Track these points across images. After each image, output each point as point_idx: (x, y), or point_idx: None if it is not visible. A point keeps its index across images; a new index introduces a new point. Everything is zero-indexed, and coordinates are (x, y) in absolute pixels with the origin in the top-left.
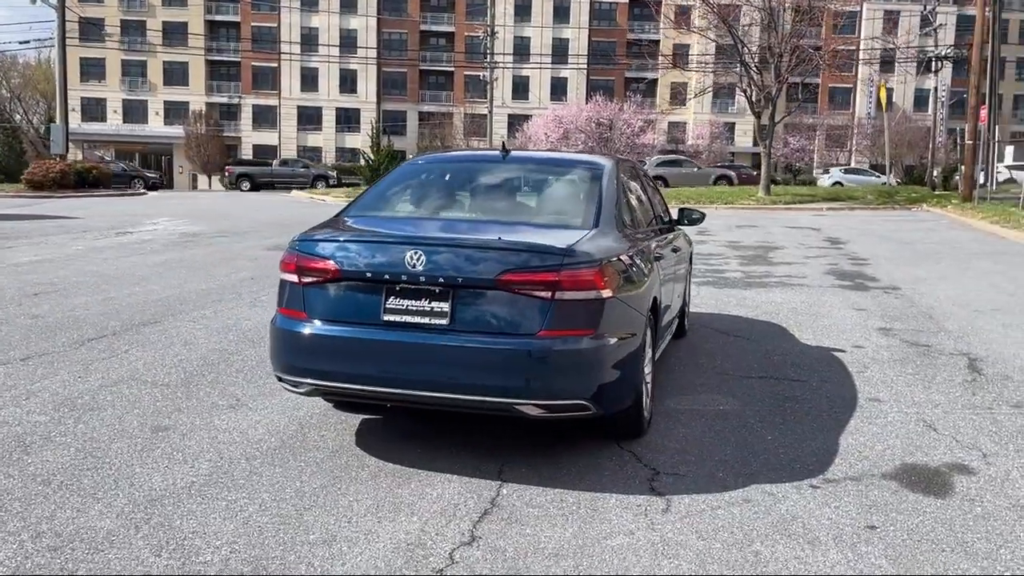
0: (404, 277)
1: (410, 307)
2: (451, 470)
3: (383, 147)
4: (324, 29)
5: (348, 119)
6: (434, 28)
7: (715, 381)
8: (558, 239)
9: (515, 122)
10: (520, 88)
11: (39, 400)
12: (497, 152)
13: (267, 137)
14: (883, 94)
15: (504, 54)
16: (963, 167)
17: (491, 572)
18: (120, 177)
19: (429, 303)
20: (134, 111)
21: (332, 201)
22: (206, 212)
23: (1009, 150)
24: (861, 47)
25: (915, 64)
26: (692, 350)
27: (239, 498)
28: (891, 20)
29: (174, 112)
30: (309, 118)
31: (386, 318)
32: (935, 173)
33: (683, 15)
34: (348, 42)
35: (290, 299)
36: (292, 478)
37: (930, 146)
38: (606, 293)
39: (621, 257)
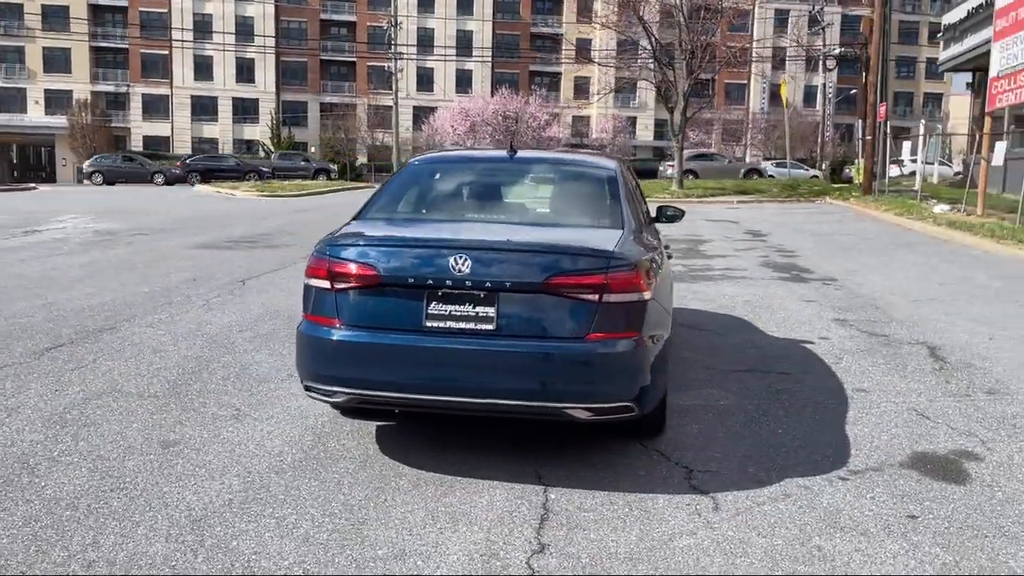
0: (449, 282)
1: (453, 312)
2: (489, 476)
3: (284, 139)
4: (219, 16)
5: (246, 110)
6: (335, 17)
7: (704, 376)
8: (598, 241)
9: (420, 114)
10: (425, 80)
11: (23, 417)
12: (504, 152)
13: (159, 128)
14: (784, 91)
15: (408, 45)
16: (862, 161)
17: None
18: None
19: (474, 308)
20: (11, 100)
21: (243, 195)
22: (109, 208)
23: (907, 145)
24: (757, 45)
25: (805, 62)
26: (670, 346)
27: (287, 514)
28: (781, 19)
29: (56, 101)
30: (204, 108)
31: (428, 324)
32: (823, 166)
33: (590, 10)
34: (244, 30)
35: (320, 306)
36: (333, 491)
37: (819, 140)
38: (647, 295)
39: (653, 257)
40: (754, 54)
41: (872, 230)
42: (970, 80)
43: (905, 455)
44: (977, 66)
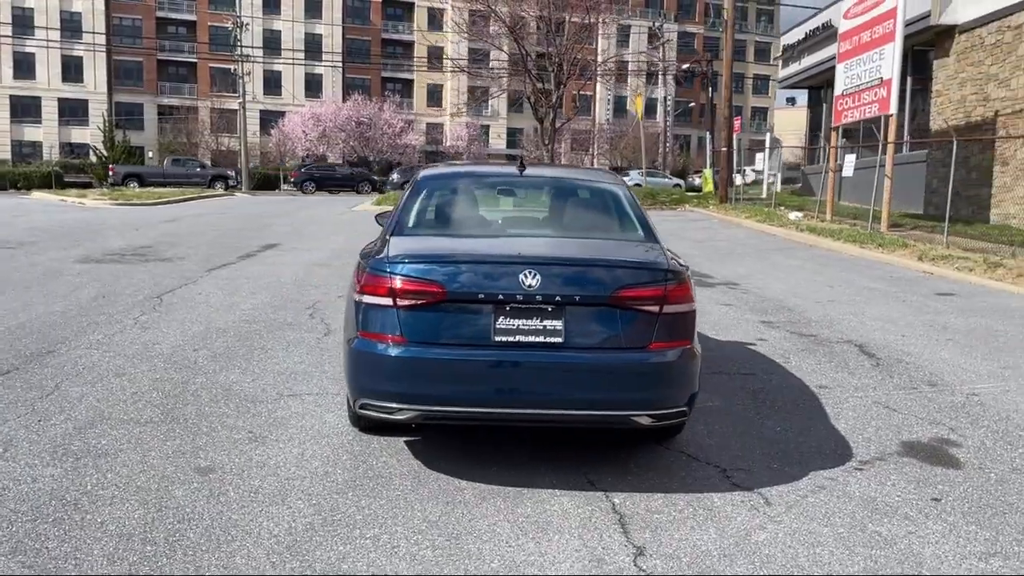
0: (520, 296)
1: (522, 326)
2: (545, 485)
3: (118, 142)
4: (41, 10)
5: (74, 111)
6: (173, 15)
7: None
8: (651, 255)
9: (269, 118)
10: (272, 83)
11: (24, 451)
12: (513, 168)
13: None
14: (639, 104)
15: (253, 47)
16: (709, 170)
17: None
18: None
19: (542, 321)
20: None
21: (93, 203)
22: None
23: (759, 156)
24: (607, 59)
25: (647, 76)
26: None
27: (378, 534)
28: (624, 34)
29: None
30: (25, 109)
31: (497, 338)
32: (666, 175)
33: (441, 18)
34: (71, 26)
35: (379, 323)
36: (405, 508)
37: (661, 150)
38: (695, 304)
39: (687, 268)
40: (609, 67)
41: (742, 236)
42: (790, 96)
43: (896, 444)
44: (813, 83)
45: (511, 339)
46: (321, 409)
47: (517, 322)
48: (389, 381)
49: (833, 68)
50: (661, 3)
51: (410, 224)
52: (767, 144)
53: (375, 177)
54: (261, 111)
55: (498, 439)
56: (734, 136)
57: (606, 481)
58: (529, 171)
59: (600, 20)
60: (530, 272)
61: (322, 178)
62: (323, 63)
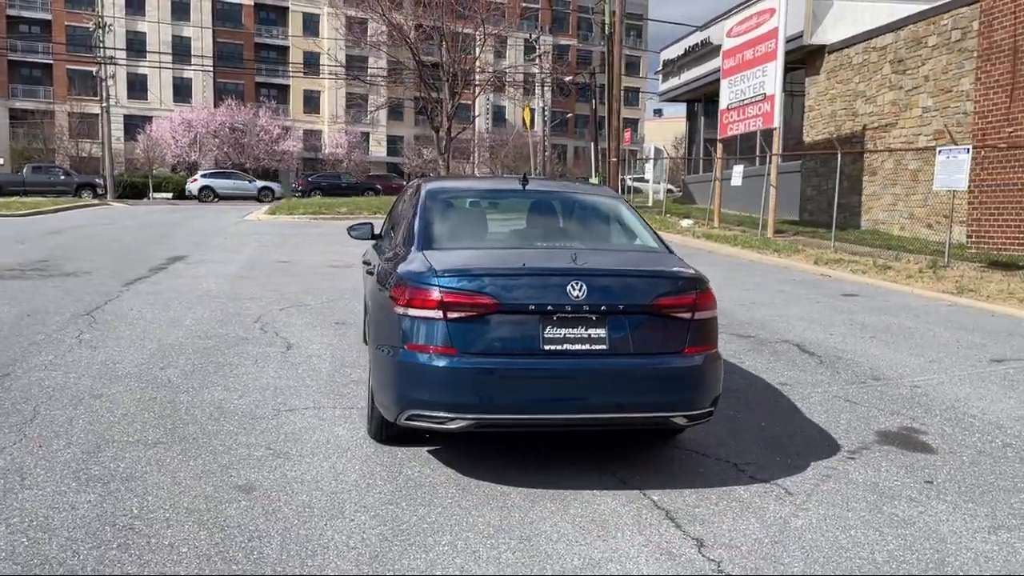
0: (568, 307)
1: (568, 335)
2: (585, 486)
3: None
4: None
5: None
6: (25, 14)
7: None
8: (678, 264)
9: (134, 124)
10: (137, 86)
11: (44, 478)
12: (515, 182)
13: None
14: (527, 115)
15: (116, 48)
16: (597, 178)
17: (761, 566)
18: None
19: (587, 330)
20: None
21: None
22: None
23: (648, 165)
24: (488, 69)
25: (523, 87)
26: None
27: (454, 541)
28: (502, 45)
29: None
30: None
31: (546, 347)
32: None
33: (316, 24)
34: None
35: (428, 335)
36: (463, 516)
37: (540, 160)
38: (717, 311)
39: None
40: (503, 77)
41: None
42: (658, 108)
43: (872, 434)
44: (692, 97)
45: (559, 347)
46: (327, 423)
47: (564, 331)
48: (441, 392)
49: (712, 83)
50: (536, 16)
51: (438, 238)
52: (651, 155)
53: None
54: (125, 116)
55: (515, 445)
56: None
57: (637, 480)
58: (533, 186)
59: (495, 32)
60: (577, 283)
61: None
62: (192, 67)
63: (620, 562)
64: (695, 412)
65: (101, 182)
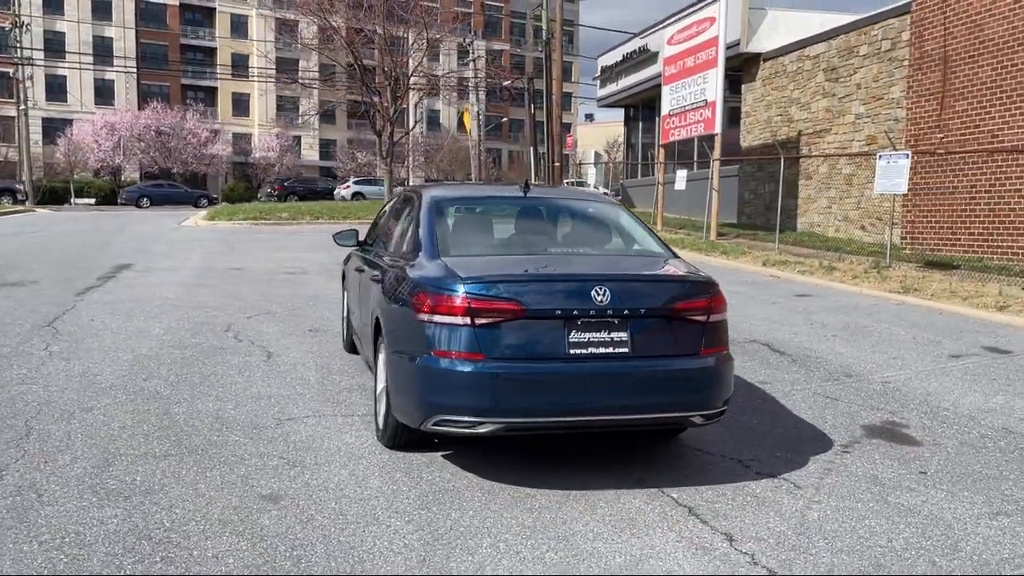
0: (592, 311)
1: (592, 339)
2: (603, 486)
3: None
4: None
5: None
6: None
7: None
8: (688, 268)
9: (53, 127)
10: (56, 88)
11: (60, 495)
12: (516, 189)
13: None
14: (467, 119)
15: (34, 49)
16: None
17: (792, 557)
18: None
19: (610, 333)
20: None
21: None
22: None
23: (592, 169)
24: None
25: (457, 91)
26: None
27: (495, 543)
28: (435, 50)
29: None
30: None
31: (571, 351)
32: None
33: (245, 25)
34: None
35: (456, 341)
36: (496, 519)
37: (477, 163)
38: (728, 313)
39: None
40: (442, 81)
41: None
42: (589, 113)
43: (859, 429)
44: (630, 102)
45: (584, 351)
46: (332, 431)
47: (588, 335)
48: (469, 397)
49: (650, 89)
50: (470, 20)
51: (452, 245)
52: (591, 159)
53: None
54: (44, 119)
55: (527, 448)
56: (544, 151)
57: (653, 479)
58: (535, 193)
59: (438, 38)
60: (601, 288)
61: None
62: (115, 68)
63: (660, 558)
64: (711, 411)
65: (21, 187)
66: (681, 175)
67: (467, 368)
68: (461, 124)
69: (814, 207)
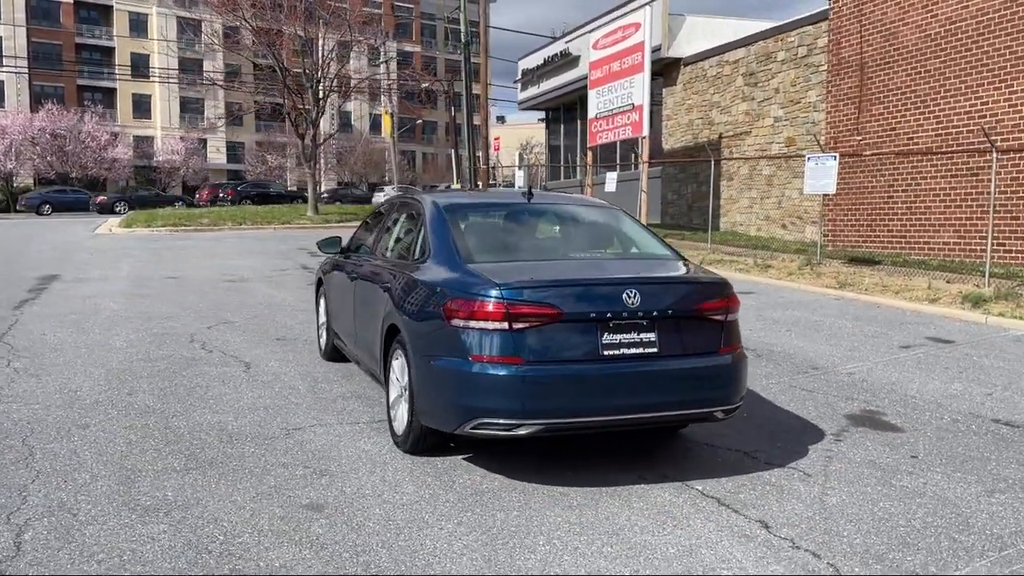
0: (625, 314)
1: (623, 340)
2: (629, 482)
3: None
4: None
5: None
6: None
7: None
8: (700, 270)
9: None
10: None
11: (95, 514)
12: (522, 196)
13: None
14: (388, 121)
15: None
16: (458, 185)
17: (828, 540)
18: None
19: (639, 334)
20: None
21: None
22: None
23: (520, 172)
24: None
25: (370, 93)
26: None
27: (550, 540)
28: (346, 50)
29: None
30: None
31: (605, 352)
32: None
33: (144, 24)
34: None
35: (494, 346)
36: (541, 516)
37: (392, 165)
38: (740, 313)
39: None
40: (361, 85)
41: None
42: (500, 115)
43: (843, 418)
44: (551, 105)
45: (616, 352)
46: (344, 439)
47: (619, 336)
48: (509, 400)
49: (572, 92)
50: (380, 21)
51: (475, 252)
52: (518, 162)
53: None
54: None
55: (540, 450)
56: (465, 153)
57: (674, 473)
58: (539, 199)
59: (364, 40)
60: (632, 291)
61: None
62: (5, 68)
63: (710, 547)
64: (731, 406)
65: None
66: (611, 177)
67: (506, 372)
68: (381, 126)
69: (736, 207)
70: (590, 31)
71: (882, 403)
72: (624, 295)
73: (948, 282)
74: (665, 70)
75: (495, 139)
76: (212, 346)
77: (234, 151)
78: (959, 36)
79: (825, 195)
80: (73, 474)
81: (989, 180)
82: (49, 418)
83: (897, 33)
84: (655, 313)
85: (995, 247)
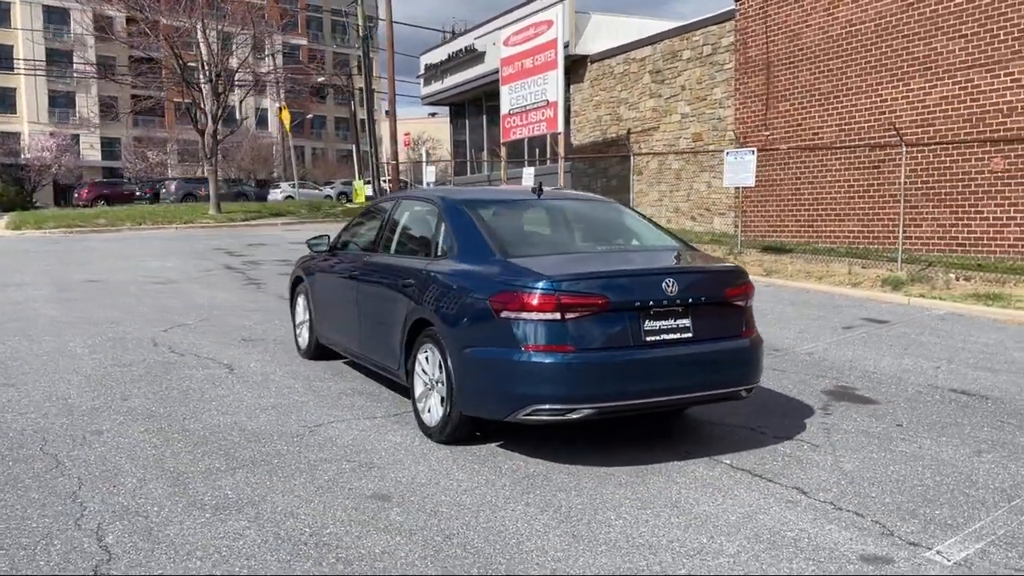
0: (665, 301)
1: (662, 326)
2: (663, 460)
3: None
4: None
5: None
6: None
7: None
8: (717, 259)
9: None
10: None
11: (164, 516)
12: (532, 192)
13: None
14: (287, 116)
15: None
16: (362, 180)
17: (862, 501)
18: None
19: (675, 321)
20: None
21: None
22: None
23: (430, 168)
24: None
25: (255, 87)
26: None
27: (620, 514)
28: (227, 43)
29: None
30: None
31: (647, 338)
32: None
33: (8, 13)
34: None
35: (547, 336)
36: (598, 495)
37: (282, 162)
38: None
39: None
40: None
41: None
42: (388, 110)
43: (822, 394)
44: (457, 100)
45: (657, 338)
46: (371, 433)
47: (659, 323)
48: (564, 386)
49: (478, 87)
50: (265, 13)
51: (510, 246)
52: (424, 159)
53: None
54: None
55: (564, 435)
56: (368, 149)
57: (698, 450)
58: (548, 195)
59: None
60: (670, 280)
61: None
62: None
63: (766, 513)
64: (752, 385)
65: None
66: (528, 172)
67: (560, 360)
68: (269, 121)
69: (646, 200)
70: (498, 28)
71: (849, 379)
72: (663, 284)
73: (864, 267)
74: (572, 67)
75: (404, 135)
76: (181, 349)
77: (110, 147)
78: (859, 38)
79: (737, 188)
80: (118, 479)
81: (890, 172)
82: (54, 426)
83: (801, 34)
84: (690, 300)
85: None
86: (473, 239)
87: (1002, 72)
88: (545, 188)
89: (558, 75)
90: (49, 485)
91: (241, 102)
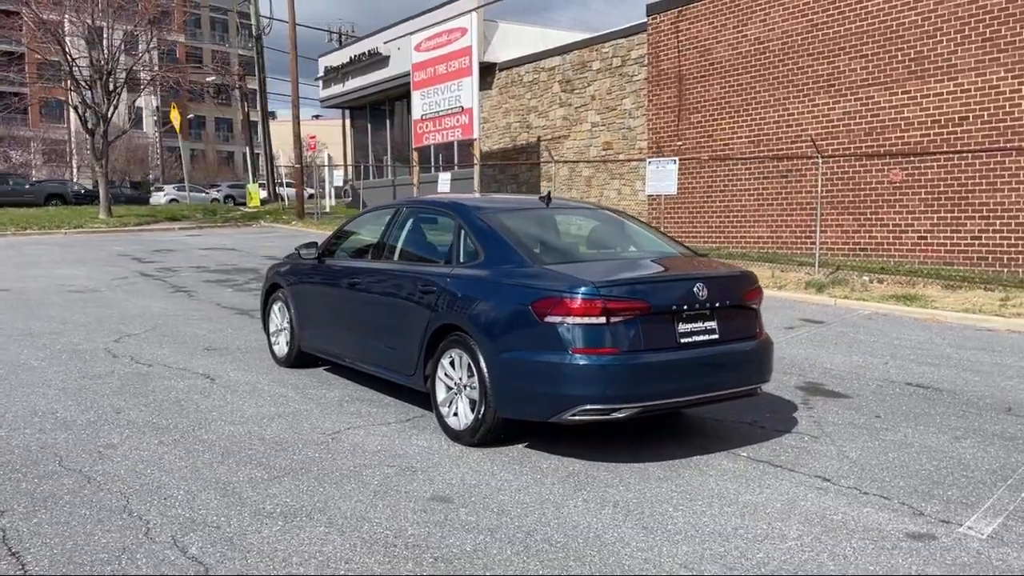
0: (697, 305)
1: (694, 329)
2: (687, 454)
3: None
4: None
5: None
6: None
7: None
8: (725, 265)
9: None
10: None
11: (234, 525)
12: (541, 202)
13: None
14: (177, 117)
15: None
16: (256, 184)
17: (882, 486)
18: None
19: (704, 323)
20: None
21: None
22: None
23: (337, 172)
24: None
25: (126, 85)
26: None
27: (678, 507)
28: (95, 37)
29: None
30: None
31: (681, 340)
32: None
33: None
34: None
35: (594, 339)
36: (642, 489)
37: (159, 162)
38: None
39: None
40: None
41: None
42: (271, 111)
43: (797, 391)
44: (358, 104)
45: (690, 340)
46: (394, 439)
47: (691, 326)
48: (611, 387)
49: (382, 91)
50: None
51: (543, 253)
52: (327, 162)
53: None
54: None
55: (579, 433)
56: (260, 152)
57: (713, 444)
58: (557, 204)
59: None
60: (700, 285)
61: None
62: None
63: (803, 500)
64: (766, 382)
65: None
66: (444, 177)
67: (606, 361)
68: (148, 122)
69: None
70: (406, 33)
71: (813, 376)
72: (695, 288)
73: (783, 271)
74: (481, 74)
75: (310, 137)
76: (144, 360)
77: None
78: (767, 55)
79: (650, 195)
80: (163, 491)
81: (798, 182)
82: (59, 442)
83: (712, 50)
84: (716, 304)
85: (806, 240)
86: (502, 247)
87: (899, 90)
88: (555, 198)
89: (473, 82)
90: (92, 501)
91: (134, 103)
